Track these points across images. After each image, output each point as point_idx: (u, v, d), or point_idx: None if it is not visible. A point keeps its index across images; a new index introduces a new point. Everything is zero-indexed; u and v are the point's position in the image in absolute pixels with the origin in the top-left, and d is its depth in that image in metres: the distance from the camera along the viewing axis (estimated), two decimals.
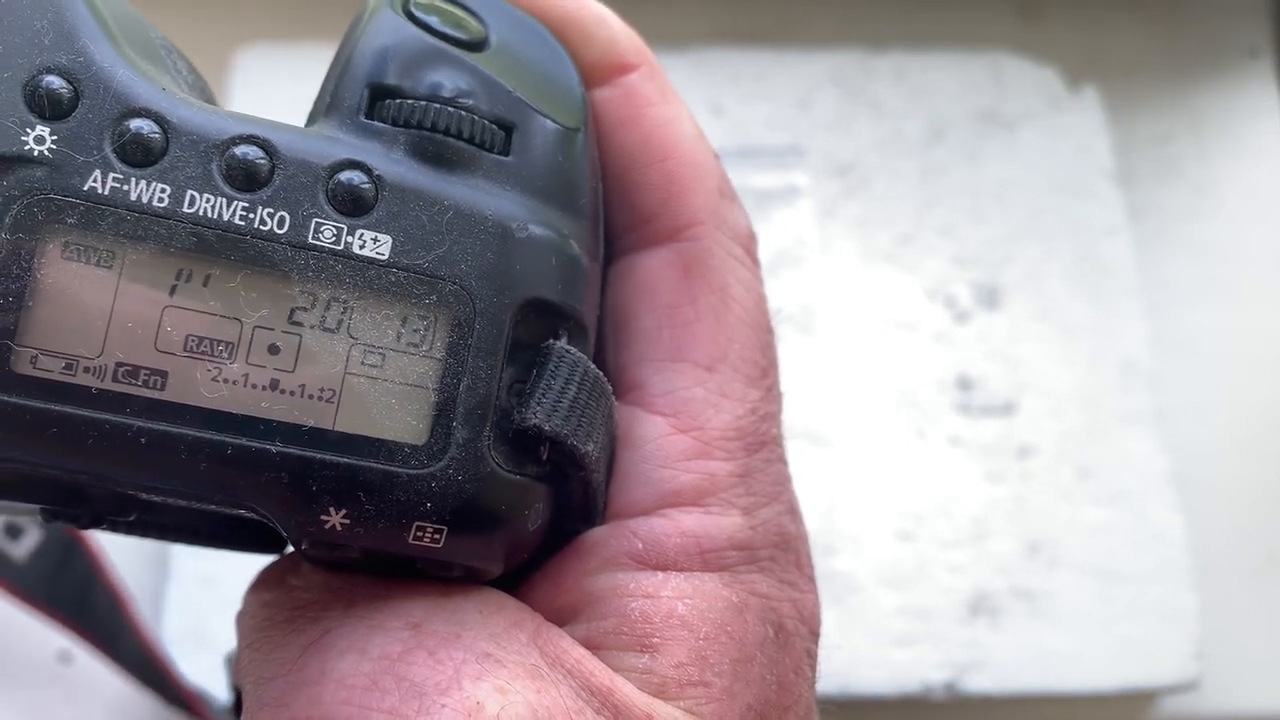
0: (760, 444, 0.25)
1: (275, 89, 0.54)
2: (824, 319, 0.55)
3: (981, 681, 0.50)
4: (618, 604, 0.23)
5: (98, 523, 0.23)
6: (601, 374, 0.23)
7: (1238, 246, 0.59)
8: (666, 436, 0.25)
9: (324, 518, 0.21)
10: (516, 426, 0.22)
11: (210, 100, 0.23)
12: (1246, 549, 0.55)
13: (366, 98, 0.22)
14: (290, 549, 0.24)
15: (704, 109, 0.58)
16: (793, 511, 0.26)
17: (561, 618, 0.24)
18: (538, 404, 0.22)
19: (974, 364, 0.55)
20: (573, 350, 0.23)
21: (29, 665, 0.43)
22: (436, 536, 0.21)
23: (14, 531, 0.44)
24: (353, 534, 0.21)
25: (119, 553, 0.46)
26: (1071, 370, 0.55)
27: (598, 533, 0.24)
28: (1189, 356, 0.57)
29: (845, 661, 0.49)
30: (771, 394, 0.26)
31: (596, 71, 0.26)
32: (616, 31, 0.26)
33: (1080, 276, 0.57)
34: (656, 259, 0.26)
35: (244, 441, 0.20)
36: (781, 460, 0.26)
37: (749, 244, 0.27)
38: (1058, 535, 0.52)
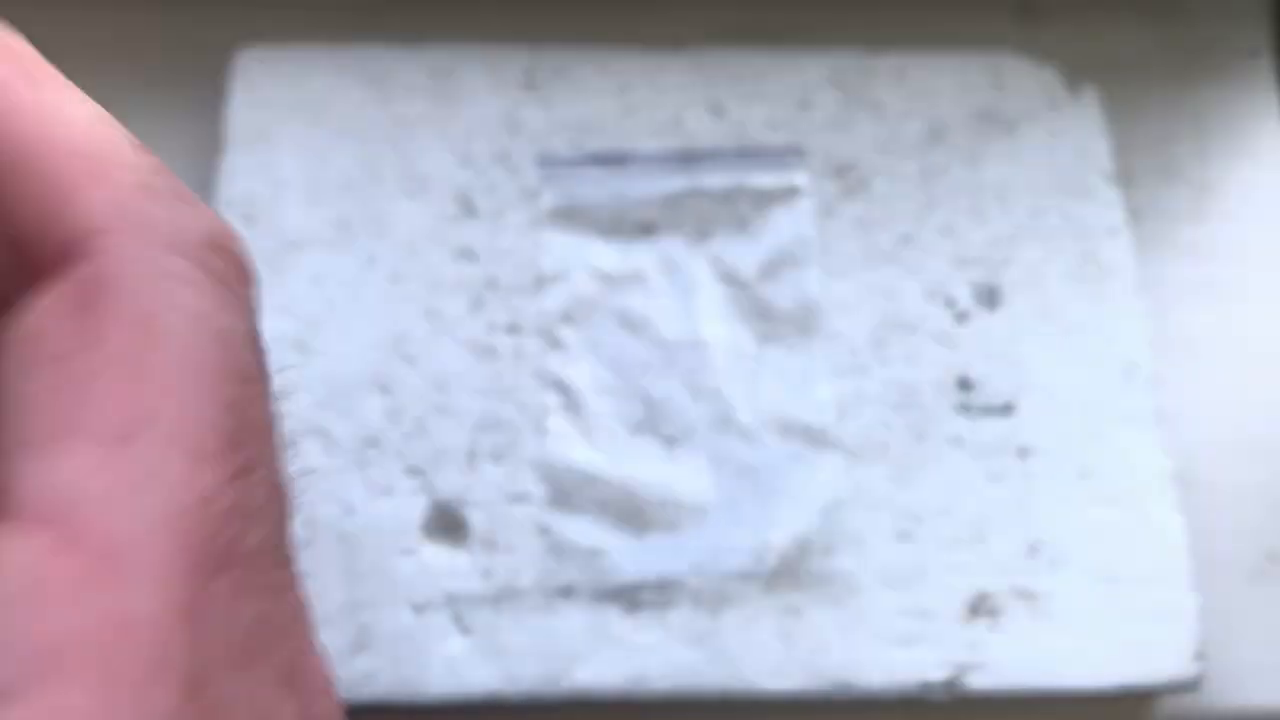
0: (221, 563, 0.16)
1: (275, 89, 0.54)
2: (824, 319, 0.55)
3: (981, 681, 0.50)
4: None
5: None
6: None
7: (1238, 247, 0.59)
8: (45, 560, 0.15)
9: None
10: None
11: None
12: (1246, 549, 0.54)
13: None
14: None
15: (704, 109, 0.58)
16: (289, 682, 0.17)
17: None
18: None
19: (974, 364, 0.55)
20: None
21: None
22: None
23: None
24: None
25: None
26: (1072, 370, 0.55)
27: None
28: (1189, 356, 0.57)
29: (845, 661, 0.49)
30: (249, 481, 0.17)
31: None
32: None
33: (1080, 277, 0.57)
34: (46, 299, 0.17)
35: None
36: (274, 589, 0.17)
37: (205, 254, 0.18)
38: (1058, 535, 0.52)
